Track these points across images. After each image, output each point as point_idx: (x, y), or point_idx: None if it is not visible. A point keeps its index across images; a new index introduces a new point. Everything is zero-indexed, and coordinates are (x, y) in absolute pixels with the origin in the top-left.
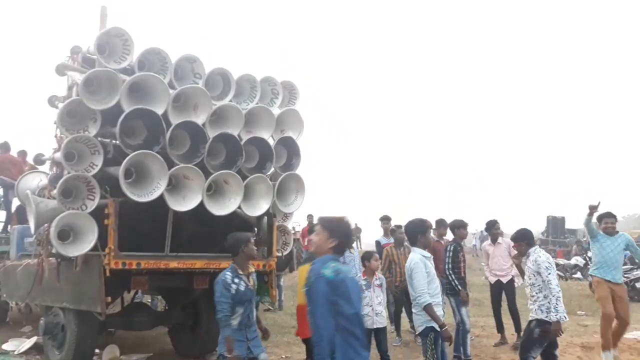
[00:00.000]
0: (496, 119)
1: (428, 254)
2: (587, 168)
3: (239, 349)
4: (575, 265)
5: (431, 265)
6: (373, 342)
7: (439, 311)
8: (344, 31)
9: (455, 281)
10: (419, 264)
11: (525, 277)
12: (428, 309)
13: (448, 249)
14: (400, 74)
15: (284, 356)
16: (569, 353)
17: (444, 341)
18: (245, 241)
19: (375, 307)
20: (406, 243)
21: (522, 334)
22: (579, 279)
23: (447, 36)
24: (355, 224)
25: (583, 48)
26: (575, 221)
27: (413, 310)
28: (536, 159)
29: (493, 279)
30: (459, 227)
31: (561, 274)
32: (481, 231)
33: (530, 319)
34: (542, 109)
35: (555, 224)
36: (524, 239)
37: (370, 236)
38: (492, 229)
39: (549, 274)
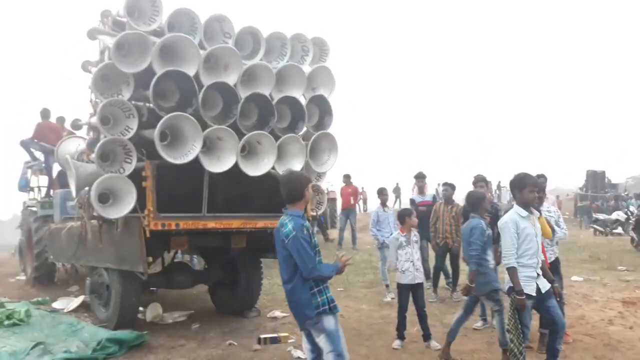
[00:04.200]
0: (536, 69)
1: (525, 213)
2: (631, 119)
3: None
4: (617, 220)
5: (529, 224)
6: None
7: (531, 273)
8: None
9: None
10: (508, 224)
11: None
12: (509, 271)
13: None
14: (434, 28)
15: None
16: (609, 308)
17: (519, 310)
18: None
19: (415, 263)
20: (456, 202)
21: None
22: (620, 234)
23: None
24: (397, 184)
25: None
26: (616, 175)
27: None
28: (578, 112)
29: None
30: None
31: (601, 228)
32: None
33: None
34: (584, 57)
35: (595, 179)
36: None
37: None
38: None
39: None
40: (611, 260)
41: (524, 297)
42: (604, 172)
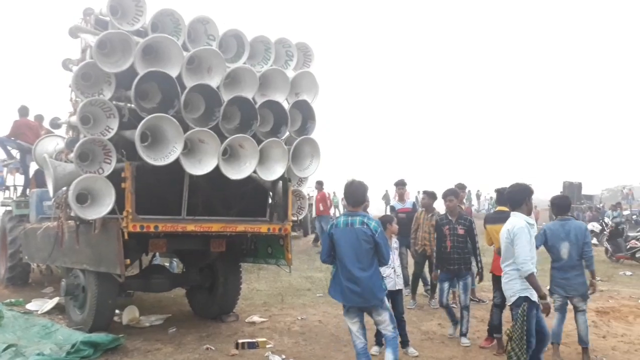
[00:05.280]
0: (514, 82)
1: (532, 221)
2: (606, 133)
3: None
4: (591, 231)
5: (533, 232)
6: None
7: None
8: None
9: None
10: (524, 229)
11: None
12: (531, 278)
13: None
14: (421, 35)
15: (299, 317)
16: None
17: (542, 312)
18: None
19: (396, 269)
20: (437, 211)
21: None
22: (594, 244)
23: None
24: (386, 191)
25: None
26: (592, 187)
27: (505, 278)
28: (556, 125)
29: None
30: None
31: None
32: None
33: None
34: (562, 72)
35: (572, 190)
36: None
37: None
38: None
39: None
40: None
41: (547, 301)
42: (580, 184)
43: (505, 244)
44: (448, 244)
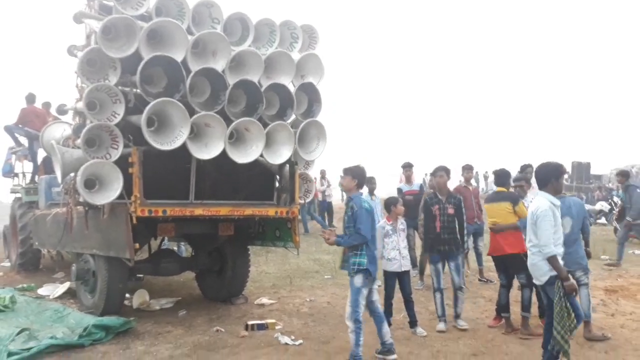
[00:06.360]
0: (522, 61)
1: (557, 201)
2: (614, 112)
3: None
4: (600, 211)
5: (559, 213)
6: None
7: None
8: None
9: None
10: (548, 211)
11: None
12: (552, 260)
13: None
14: (418, 16)
15: (308, 299)
16: (592, 296)
17: (567, 293)
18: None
19: (402, 251)
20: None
21: None
22: (603, 224)
23: None
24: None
25: None
26: (601, 166)
27: (531, 259)
28: (564, 104)
29: None
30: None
31: None
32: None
33: None
34: (570, 50)
35: (580, 170)
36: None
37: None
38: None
39: None
40: (594, 250)
41: (572, 281)
42: (589, 164)
43: (530, 224)
44: (437, 225)
